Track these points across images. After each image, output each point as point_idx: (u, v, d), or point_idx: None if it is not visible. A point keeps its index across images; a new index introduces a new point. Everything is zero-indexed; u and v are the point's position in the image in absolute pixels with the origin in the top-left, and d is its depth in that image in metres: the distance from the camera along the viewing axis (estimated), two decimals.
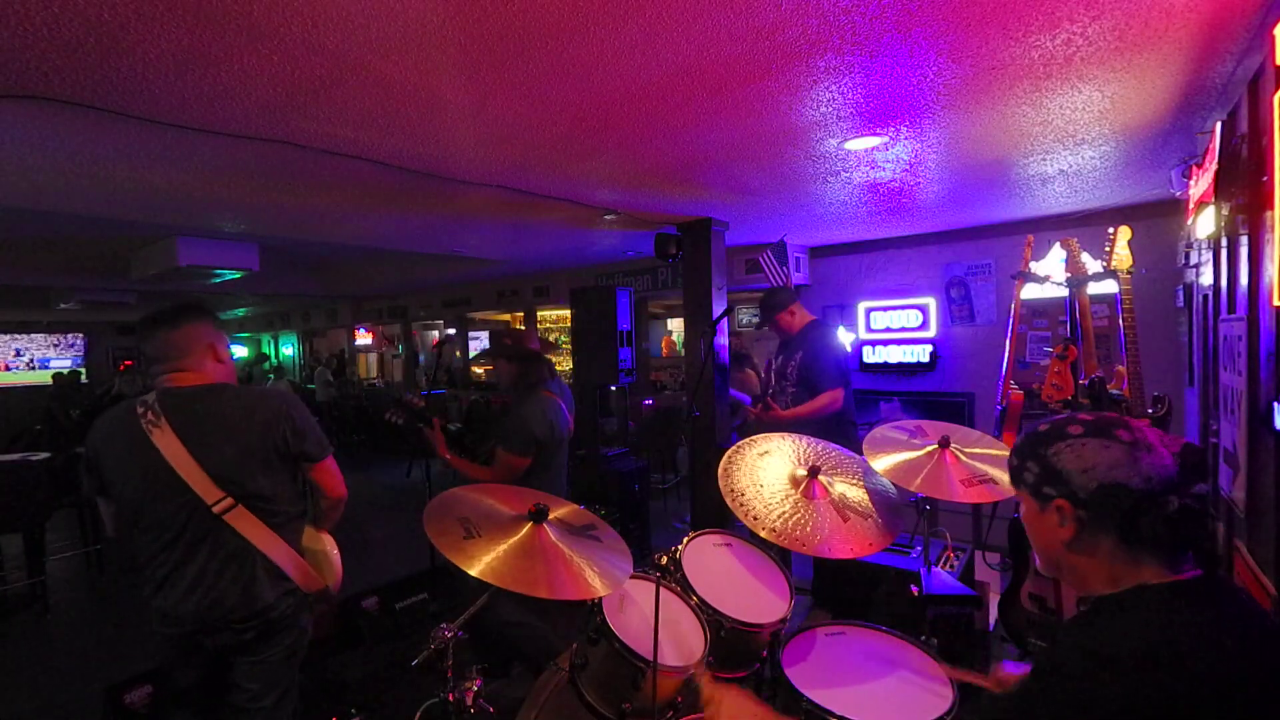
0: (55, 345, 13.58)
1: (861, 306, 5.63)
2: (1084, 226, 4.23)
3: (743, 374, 5.55)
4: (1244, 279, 2.01)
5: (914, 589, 2.26)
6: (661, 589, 1.51)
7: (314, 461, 1.90)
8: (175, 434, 1.71)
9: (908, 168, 3.26)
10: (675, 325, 10.97)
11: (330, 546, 2.03)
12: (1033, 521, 1.01)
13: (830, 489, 1.94)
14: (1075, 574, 0.98)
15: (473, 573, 1.37)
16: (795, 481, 1.94)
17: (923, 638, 1.90)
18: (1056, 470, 0.95)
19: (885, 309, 5.49)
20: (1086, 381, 2.59)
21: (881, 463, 2.01)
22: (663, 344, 10.77)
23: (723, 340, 4.67)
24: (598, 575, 1.47)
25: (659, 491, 6.61)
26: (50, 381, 10.50)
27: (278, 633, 1.82)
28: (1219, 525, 2.34)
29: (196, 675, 1.84)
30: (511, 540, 1.49)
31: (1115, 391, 2.61)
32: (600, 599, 1.61)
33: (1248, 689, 0.79)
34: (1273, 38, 1.53)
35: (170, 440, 1.71)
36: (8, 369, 13.13)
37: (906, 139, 2.80)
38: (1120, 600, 0.91)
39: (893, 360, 5.46)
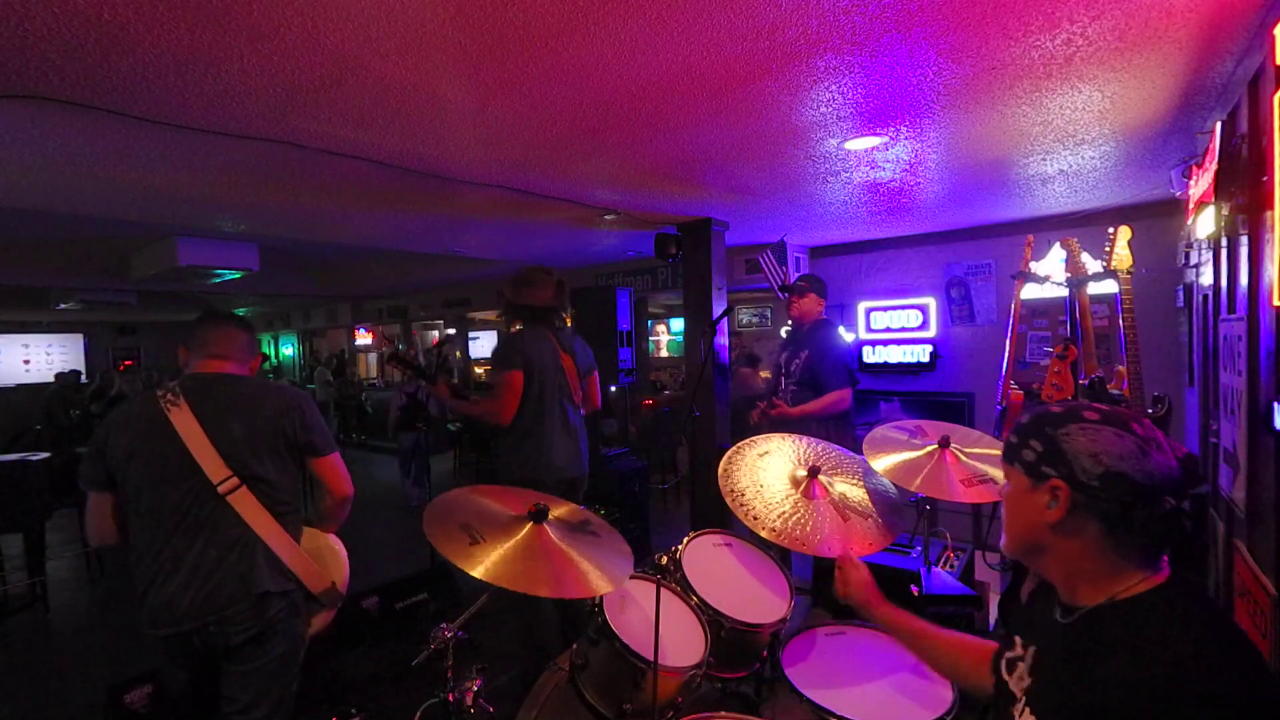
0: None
1: (861, 306, 5.62)
2: (1084, 226, 4.23)
3: (742, 372, 5.55)
4: (1244, 279, 2.01)
5: (914, 589, 2.26)
6: (662, 589, 1.51)
7: (319, 455, 1.92)
8: (192, 412, 1.76)
9: (908, 168, 3.26)
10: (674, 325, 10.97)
11: (336, 543, 2.03)
12: (1018, 499, 0.99)
13: (830, 489, 1.94)
14: (1046, 557, 0.98)
15: (477, 574, 1.38)
16: (795, 481, 1.94)
17: None
18: (1062, 451, 0.93)
19: (885, 309, 5.49)
20: (1086, 381, 2.59)
21: (881, 463, 2.01)
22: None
23: (723, 340, 4.67)
24: (599, 573, 1.48)
25: (659, 491, 6.61)
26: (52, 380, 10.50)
27: (271, 639, 1.79)
28: (1220, 527, 2.34)
29: (190, 678, 1.80)
30: (513, 541, 1.49)
31: (1115, 391, 2.61)
32: (601, 599, 1.61)
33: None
34: (1273, 38, 1.53)
35: (186, 417, 1.75)
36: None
37: (906, 139, 2.80)
38: (1127, 613, 0.88)
39: (893, 360, 5.46)
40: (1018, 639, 1.08)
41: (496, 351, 2.88)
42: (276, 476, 1.83)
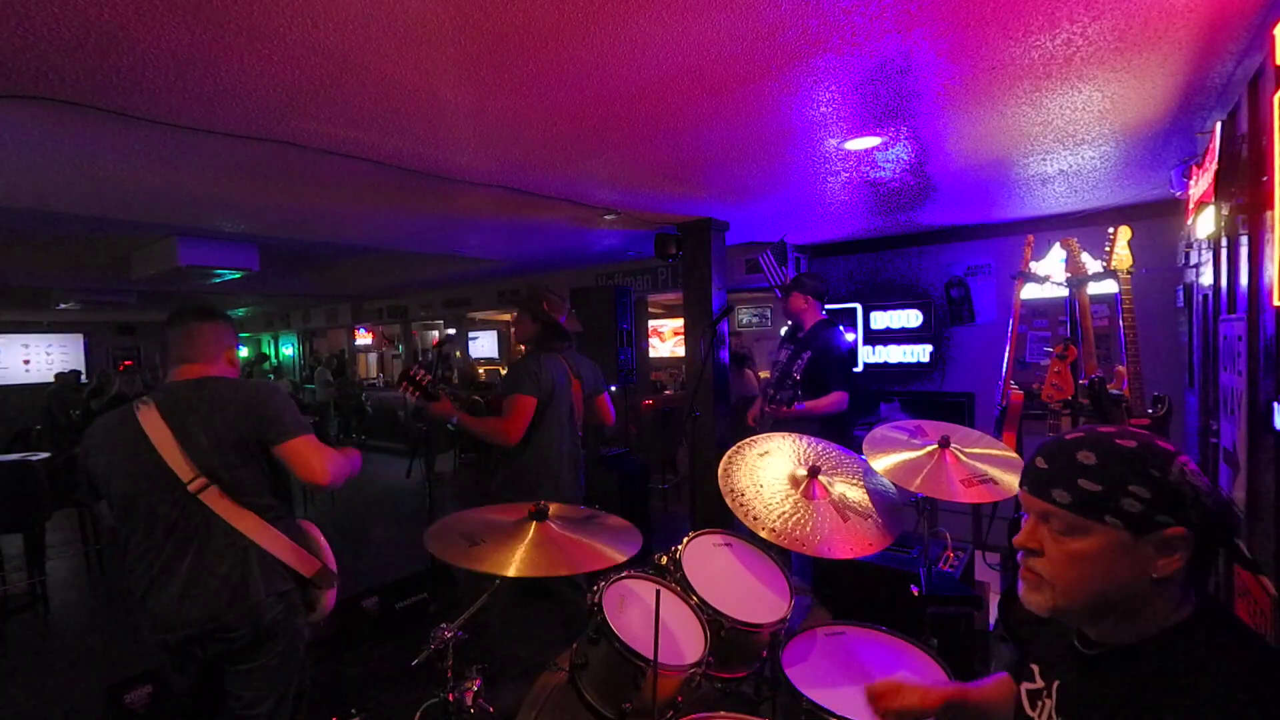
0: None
1: (861, 306, 5.63)
2: (1084, 226, 4.23)
3: (742, 374, 5.55)
4: (1244, 279, 2.01)
5: (914, 589, 2.26)
6: (661, 589, 1.51)
7: (279, 442, 1.79)
8: (161, 416, 1.74)
9: (908, 167, 3.26)
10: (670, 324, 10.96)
11: (307, 524, 2.01)
12: (1110, 557, 0.80)
13: (830, 489, 1.94)
14: (1116, 612, 0.82)
15: (494, 571, 1.42)
16: (795, 481, 1.94)
17: (923, 638, 1.90)
18: (1182, 494, 0.77)
19: (885, 309, 5.49)
20: (1086, 381, 2.59)
21: (881, 463, 2.00)
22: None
23: (723, 340, 4.67)
24: (613, 549, 1.57)
25: (659, 491, 6.61)
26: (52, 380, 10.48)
27: (270, 639, 1.79)
28: None
29: (192, 682, 1.81)
30: (524, 540, 1.55)
31: (1115, 391, 2.61)
32: (601, 599, 1.62)
33: None
34: (1273, 38, 1.53)
35: (155, 421, 1.73)
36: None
37: (906, 139, 2.80)
38: (1177, 649, 0.79)
39: (893, 360, 5.46)
40: (1035, 668, 0.99)
41: (513, 374, 2.84)
42: (254, 481, 1.80)
